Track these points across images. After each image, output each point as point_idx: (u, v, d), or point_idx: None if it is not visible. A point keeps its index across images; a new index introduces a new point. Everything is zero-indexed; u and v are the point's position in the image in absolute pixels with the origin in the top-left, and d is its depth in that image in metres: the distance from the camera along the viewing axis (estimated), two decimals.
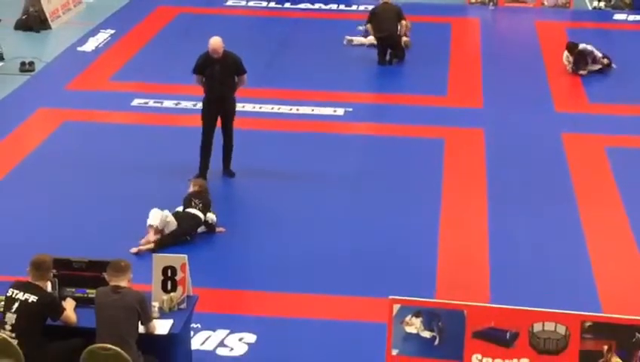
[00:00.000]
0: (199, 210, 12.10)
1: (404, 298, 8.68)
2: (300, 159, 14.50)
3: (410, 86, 17.93)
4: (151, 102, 16.65)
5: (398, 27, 18.61)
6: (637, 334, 8.42)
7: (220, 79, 13.43)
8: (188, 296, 9.20)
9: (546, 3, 22.85)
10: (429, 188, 13.58)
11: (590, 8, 23.05)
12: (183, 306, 9.14)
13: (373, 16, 18.69)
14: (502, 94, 17.25)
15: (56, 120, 15.86)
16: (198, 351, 9.75)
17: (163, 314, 8.98)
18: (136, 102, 16.65)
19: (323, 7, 22.78)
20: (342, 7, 22.80)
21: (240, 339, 10.07)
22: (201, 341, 9.99)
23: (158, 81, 17.59)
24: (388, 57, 18.67)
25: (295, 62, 19.05)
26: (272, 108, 16.40)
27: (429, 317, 8.58)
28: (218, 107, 13.58)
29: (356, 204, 13.16)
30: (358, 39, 19.72)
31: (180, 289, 9.14)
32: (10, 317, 8.59)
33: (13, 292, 8.67)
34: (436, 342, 8.59)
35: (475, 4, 22.95)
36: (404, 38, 18.89)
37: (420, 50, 19.18)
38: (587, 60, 17.99)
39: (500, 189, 13.56)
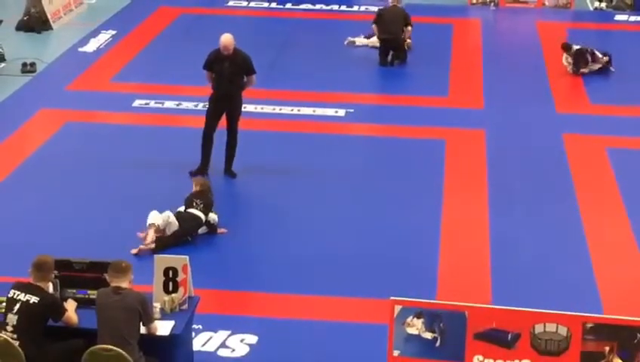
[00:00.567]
0: (200, 210, 12.09)
1: (405, 299, 8.68)
2: (302, 160, 14.50)
3: (412, 87, 17.94)
4: (152, 103, 16.66)
5: (403, 31, 18.59)
6: (638, 335, 8.42)
7: (228, 77, 13.46)
8: (189, 297, 9.20)
9: (547, 3, 22.86)
10: (430, 189, 13.58)
11: (591, 9, 23.05)
12: (184, 307, 9.14)
13: (380, 18, 18.68)
14: (503, 95, 17.26)
15: (58, 121, 15.86)
16: (199, 352, 9.75)
17: (164, 315, 8.98)
18: (137, 102, 16.65)
19: (324, 7, 22.77)
20: (343, 7, 22.80)
21: (241, 340, 10.07)
22: (202, 342, 9.99)
23: (160, 81, 17.59)
24: (389, 58, 18.68)
25: (296, 62, 19.06)
26: (274, 109, 16.40)
27: (431, 318, 8.58)
28: (224, 104, 13.61)
29: (357, 205, 13.16)
30: (360, 40, 19.72)
31: (181, 290, 9.14)
32: (12, 318, 8.59)
33: (14, 293, 8.67)
34: (437, 343, 8.60)
35: (476, 5, 22.96)
36: (407, 41, 18.89)
37: (422, 51, 19.18)
38: (587, 59, 17.99)
39: (501, 190, 13.56)
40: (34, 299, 8.59)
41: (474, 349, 8.54)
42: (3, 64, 18.42)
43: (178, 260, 9.21)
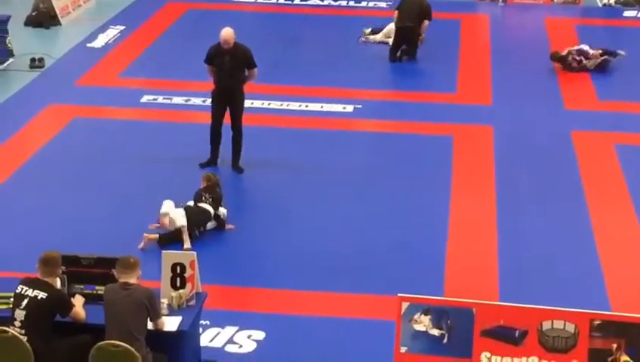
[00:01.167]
0: (209, 204, 12.12)
1: (412, 296, 8.68)
2: (309, 156, 14.50)
3: (420, 83, 17.93)
4: (160, 99, 16.67)
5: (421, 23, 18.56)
6: None
7: (228, 71, 13.48)
8: (197, 293, 9.21)
9: (555, 0, 22.82)
10: (437, 185, 13.57)
11: (600, 5, 23.02)
12: (191, 303, 9.14)
13: (401, 5, 18.64)
14: (511, 91, 17.24)
15: (66, 116, 15.89)
16: (206, 347, 9.77)
17: (172, 311, 8.98)
18: (145, 98, 16.67)
19: (332, 3, 22.78)
20: (351, 3, 22.80)
21: (249, 336, 10.08)
22: (209, 338, 10.01)
23: (168, 77, 17.61)
24: (399, 54, 18.66)
25: (304, 58, 19.05)
26: (281, 105, 16.40)
27: (438, 314, 8.57)
28: (226, 99, 13.65)
29: (365, 201, 13.15)
30: (375, 37, 19.67)
31: (188, 286, 9.14)
32: (20, 314, 8.60)
33: (22, 289, 8.68)
34: (445, 340, 8.59)
35: (484, 1, 22.92)
36: (421, 35, 18.84)
37: (430, 47, 19.15)
38: (573, 61, 17.94)
39: (509, 187, 13.55)
40: (42, 295, 8.60)
41: (481, 346, 8.53)
42: (11, 59, 18.46)
43: (186, 256, 9.22)
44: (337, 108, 16.33)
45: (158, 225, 11.87)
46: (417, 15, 18.47)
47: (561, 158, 14.53)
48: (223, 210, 12.25)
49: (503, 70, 18.28)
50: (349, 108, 16.33)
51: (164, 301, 9.00)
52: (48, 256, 8.80)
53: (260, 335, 10.11)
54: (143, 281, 8.81)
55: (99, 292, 8.95)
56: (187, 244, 11.65)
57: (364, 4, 22.69)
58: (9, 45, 18.56)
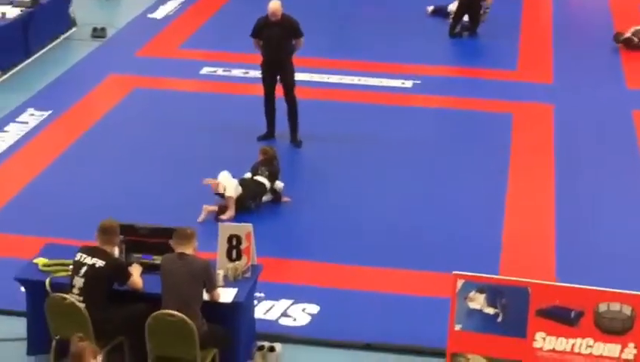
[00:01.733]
0: (266, 177, 12.17)
1: (468, 273, 8.65)
2: (367, 131, 14.47)
3: (480, 59, 17.79)
4: (219, 71, 16.73)
5: None
6: None
7: (277, 42, 13.53)
8: (252, 266, 9.26)
9: None
10: (496, 163, 13.48)
11: None
12: (247, 275, 9.19)
13: None
14: (572, 69, 17.04)
15: (127, 86, 16.02)
16: (261, 320, 9.82)
17: (227, 283, 9.04)
18: (205, 70, 16.74)
19: None
20: None
21: (303, 310, 10.12)
22: (264, 310, 10.06)
23: (227, 49, 17.65)
24: (458, 29, 18.54)
25: (364, 33, 18.97)
26: (340, 79, 16.38)
27: (493, 293, 8.54)
28: (275, 70, 13.70)
29: (422, 177, 13.12)
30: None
31: (244, 258, 9.19)
32: (78, 281, 8.70)
33: (81, 257, 8.78)
34: (499, 319, 8.56)
35: None
36: (485, 11, 18.66)
37: (491, 24, 18.97)
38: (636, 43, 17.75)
39: (568, 166, 13.42)
40: (100, 263, 8.69)
41: (536, 325, 8.49)
42: (74, 29, 18.63)
43: (242, 228, 9.27)
44: (396, 83, 16.27)
45: (213, 207, 11.92)
46: None
47: (622, 138, 14.35)
48: (279, 184, 12.29)
49: (565, 48, 18.06)
50: (408, 83, 16.26)
51: (220, 272, 9.07)
52: (107, 224, 8.88)
53: (314, 308, 10.14)
54: (200, 252, 8.87)
55: (156, 262, 9.02)
56: (230, 213, 11.73)
57: None
58: (72, 15, 18.74)
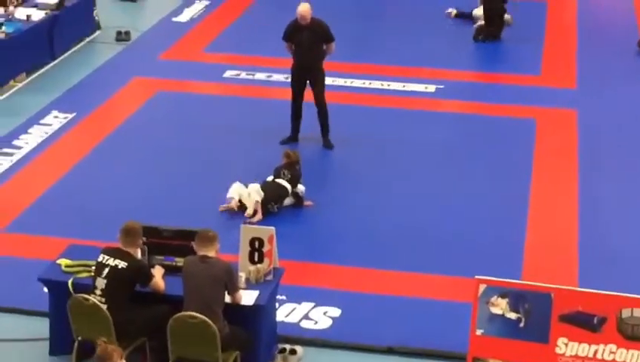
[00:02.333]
0: (287, 181, 12.18)
1: (490, 278, 8.62)
2: (390, 135, 14.46)
3: (504, 64, 17.74)
4: (243, 75, 16.76)
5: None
6: None
7: (307, 46, 13.52)
8: (274, 268, 9.27)
9: None
10: (519, 168, 13.45)
11: None
12: (269, 278, 9.20)
13: None
14: (596, 75, 16.97)
15: (150, 89, 16.07)
16: (282, 322, 9.83)
17: (249, 285, 9.06)
18: (228, 73, 16.78)
19: None
20: None
21: (324, 313, 10.12)
22: (286, 313, 10.06)
23: (251, 53, 17.69)
24: (482, 35, 18.51)
25: (387, 37, 18.98)
26: (363, 83, 16.38)
27: (515, 298, 8.50)
28: (305, 74, 13.69)
29: (445, 181, 13.09)
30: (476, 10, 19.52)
31: (266, 260, 9.20)
32: (101, 282, 8.74)
33: (104, 258, 8.81)
34: (522, 324, 8.52)
35: None
36: (506, 16, 18.66)
37: (515, 29, 18.94)
38: None
39: (592, 172, 13.36)
40: (122, 264, 8.72)
41: (559, 331, 8.45)
42: (98, 32, 18.71)
43: (264, 231, 9.27)
44: (419, 87, 16.26)
45: (226, 205, 11.97)
46: None
47: None
48: (301, 188, 12.29)
49: (589, 53, 17.99)
50: (431, 88, 16.24)
51: (242, 275, 9.08)
52: (130, 226, 8.92)
53: (335, 312, 10.14)
54: (222, 255, 8.88)
55: (178, 264, 9.05)
56: (259, 216, 11.77)
57: None
58: (96, 18, 18.83)
